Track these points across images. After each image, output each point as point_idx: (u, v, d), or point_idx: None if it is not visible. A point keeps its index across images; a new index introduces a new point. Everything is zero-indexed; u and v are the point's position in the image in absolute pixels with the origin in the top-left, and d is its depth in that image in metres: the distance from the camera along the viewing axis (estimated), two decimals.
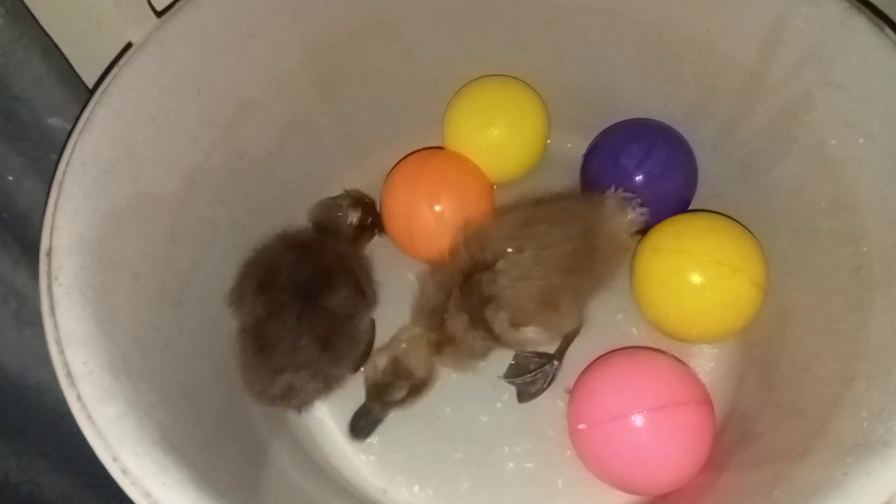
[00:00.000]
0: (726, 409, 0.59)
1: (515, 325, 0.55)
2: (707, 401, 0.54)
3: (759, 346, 0.59)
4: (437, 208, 0.64)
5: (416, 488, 0.59)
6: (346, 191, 0.67)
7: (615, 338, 0.62)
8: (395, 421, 0.62)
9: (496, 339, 0.56)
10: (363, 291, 0.60)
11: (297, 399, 0.55)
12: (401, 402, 0.57)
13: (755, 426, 0.53)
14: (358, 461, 0.61)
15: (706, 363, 0.62)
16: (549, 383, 0.62)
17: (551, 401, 0.61)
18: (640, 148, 0.64)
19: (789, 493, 0.42)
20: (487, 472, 0.59)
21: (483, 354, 0.58)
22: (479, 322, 0.55)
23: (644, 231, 0.63)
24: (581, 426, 0.55)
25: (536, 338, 0.56)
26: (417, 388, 0.57)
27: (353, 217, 0.65)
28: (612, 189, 0.61)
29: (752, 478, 0.48)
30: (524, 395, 0.62)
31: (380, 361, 0.57)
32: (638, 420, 0.51)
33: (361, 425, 0.57)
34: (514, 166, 0.71)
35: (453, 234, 0.59)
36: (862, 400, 0.43)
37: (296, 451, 0.58)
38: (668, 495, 0.54)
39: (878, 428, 0.39)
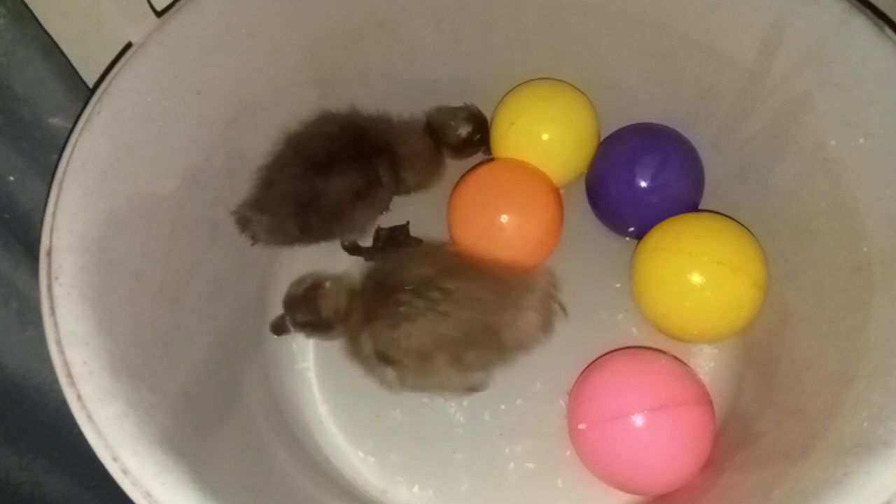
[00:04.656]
0: (726, 409, 0.59)
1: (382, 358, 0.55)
2: (707, 401, 0.54)
3: (759, 346, 0.59)
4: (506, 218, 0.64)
5: (416, 488, 0.59)
6: (466, 104, 0.70)
7: (615, 338, 0.62)
8: (396, 421, 0.62)
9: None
10: (378, 193, 0.62)
11: (247, 232, 0.60)
12: (300, 327, 0.59)
13: (755, 426, 0.53)
14: (358, 461, 0.61)
15: (706, 363, 0.62)
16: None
17: (551, 401, 0.61)
18: (654, 160, 0.63)
19: (789, 493, 0.42)
20: (487, 472, 0.59)
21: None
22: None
23: (638, 236, 0.63)
24: (581, 426, 0.55)
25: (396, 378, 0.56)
26: (315, 325, 0.58)
27: (464, 130, 0.68)
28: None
29: (752, 478, 0.48)
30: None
31: (306, 279, 0.59)
32: (638, 420, 0.51)
33: (277, 322, 0.61)
34: (568, 171, 0.69)
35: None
36: (862, 400, 0.43)
37: (296, 451, 0.58)
38: (668, 495, 0.54)
39: (878, 428, 0.39)
